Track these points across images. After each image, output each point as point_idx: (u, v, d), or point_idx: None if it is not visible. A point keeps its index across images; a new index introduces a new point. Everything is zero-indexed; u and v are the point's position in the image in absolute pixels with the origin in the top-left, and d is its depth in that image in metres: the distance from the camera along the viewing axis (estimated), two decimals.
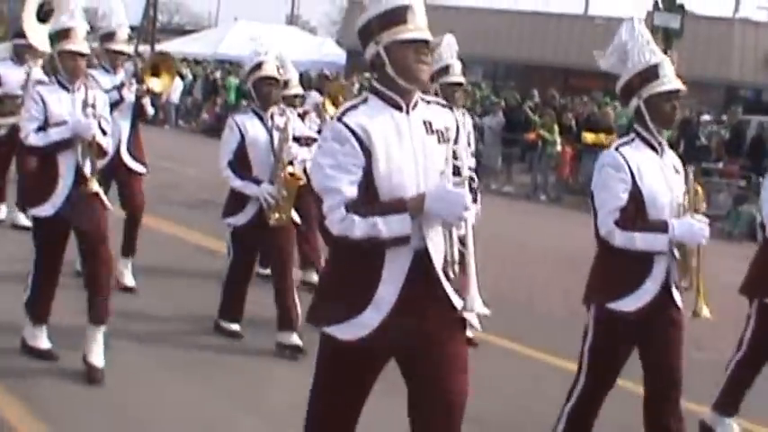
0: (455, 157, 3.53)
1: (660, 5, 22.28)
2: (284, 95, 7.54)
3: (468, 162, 3.67)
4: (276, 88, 6.53)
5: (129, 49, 8.12)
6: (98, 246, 5.69)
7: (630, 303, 4.37)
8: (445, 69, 7.04)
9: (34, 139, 5.60)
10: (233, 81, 27.07)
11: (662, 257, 4.39)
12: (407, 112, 3.47)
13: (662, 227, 4.32)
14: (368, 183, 3.38)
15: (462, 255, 3.37)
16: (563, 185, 19.38)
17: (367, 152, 3.37)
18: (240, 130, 6.36)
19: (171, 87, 8.58)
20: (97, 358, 5.62)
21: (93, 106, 5.70)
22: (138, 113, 7.74)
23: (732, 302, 5.89)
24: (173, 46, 35.07)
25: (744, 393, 5.56)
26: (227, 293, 6.73)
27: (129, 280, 7.73)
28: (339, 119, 3.43)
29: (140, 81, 7.67)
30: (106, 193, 6.74)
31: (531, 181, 19.65)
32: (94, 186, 5.66)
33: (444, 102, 3.72)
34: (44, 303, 5.85)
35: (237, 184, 6.39)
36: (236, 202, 6.53)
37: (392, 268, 3.39)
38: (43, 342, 5.87)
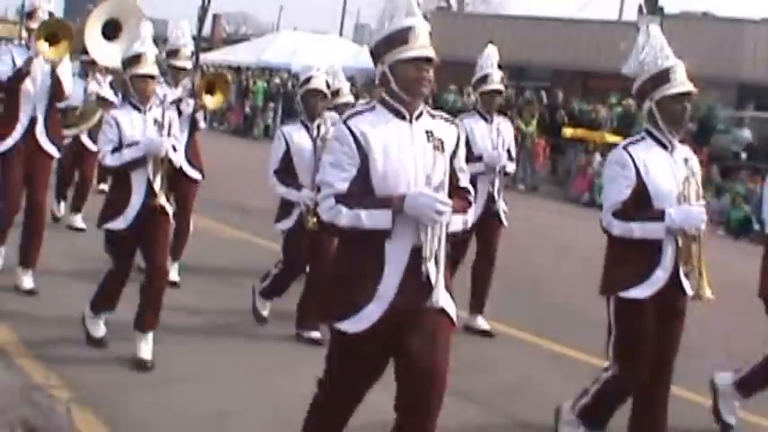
0: (452, 169, 3.66)
1: (644, 9, 23.16)
2: (336, 104, 7.61)
3: (466, 178, 3.81)
4: (322, 101, 6.62)
5: (190, 65, 8.31)
6: (159, 259, 5.84)
7: (642, 291, 4.42)
8: (484, 78, 7.18)
9: (110, 160, 5.75)
10: (261, 85, 27.62)
11: (669, 246, 4.43)
12: (410, 122, 3.62)
13: (658, 215, 4.36)
14: (364, 181, 3.55)
15: (436, 253, 3.51)
16: (539, 176, 19.80)
17: (363, 154, 3.54)
18: (286, 140, 6.46)
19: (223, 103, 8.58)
20: (146, 354, 5.74)
21: (166, 125, 5.86)
22: (193, 125, 7.88)
23: None
24: (219, 55, 35.45)
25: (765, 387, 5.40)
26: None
27: (173, 275, 7.81)
28: (344, 122, 3.63)
29: (197, 97, 7.79)
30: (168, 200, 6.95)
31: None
32: (163, 201, 5.81)
33: (450, 117, 3.84)
34: (109, 298, 5.98)
35: (281, 190, 6.50)
36: (285, 208, 6.62)
37: (393, 264, 3.53)
38: (99, 330, 6.02)
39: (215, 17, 59.82)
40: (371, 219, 3.48)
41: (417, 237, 3.52)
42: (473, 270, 7.24)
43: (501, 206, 7.23)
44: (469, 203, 3.77)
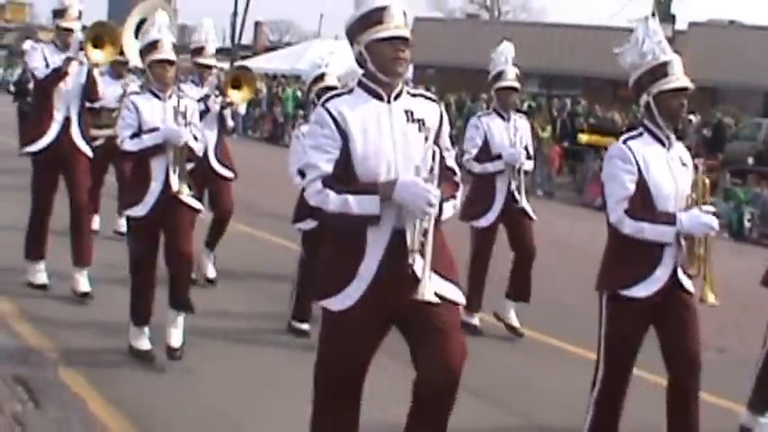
0: (434, 151, 3.54)
1: (656, 15, 22.84)
2: None
3: (451, 157, 3.73)
4: None
5: (215, 63, 8.24)
6: (183, 245, 5.78)
7: (642, 290, 4.32)
8: (498, 75, 7.03)
9: (129, 145, 5.73)
10: (290, 92, 27.75)
11: (671, 246, 4.32)
12: (389, 102, 3.58)
13: (670, 219, 4.26)
14: (346, 163, 3.51)
15: (422, 244, 3.47)
16: (555, 182, 19.72)
17: (344, 134, 3.51)
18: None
19: (249, 98, 8.49)
20: (176, 341, 5.79)
21: (184, 114, 5.81)
22: (221, 123, 7.89)
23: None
24: (254, 63, 35.98)
25: None
26: (300, 295, 6.61)
27: (210, 272, 7.91)
28: (323, 104, 3.60)
29: (223, 93, 7.77)
30: (200, 199, 6.88)
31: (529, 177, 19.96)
32: (183, 189, 5.78)
33: (432, 96, 3.77)
34: (144, 305, 5.85)
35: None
36: (305, 207, 6.36)
37: (373, 246, 3.51)
38: (144, 343, 5.85)
39: (257, 24, 60.19)
40: (359, 204, 3.45)
41: (398, 219, 3.50)
42: (514, 266, 7.12)
43: (524, 203, 7.09)
44: (457, 185, 3.70)
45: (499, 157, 6.97)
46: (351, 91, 3.65)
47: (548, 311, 7.82)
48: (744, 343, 7.37)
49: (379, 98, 3.59)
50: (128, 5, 8.07)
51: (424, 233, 3.47)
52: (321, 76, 6.58)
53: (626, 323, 4.40)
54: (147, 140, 5.69)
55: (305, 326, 6.55)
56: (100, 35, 7.00)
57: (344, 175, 3.51)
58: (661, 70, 4.33)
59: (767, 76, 27.29)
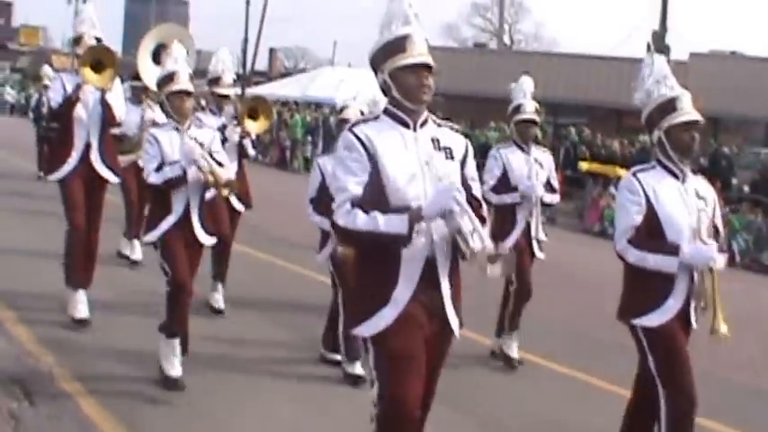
0: (463, 177, 3.61)
1: (651, 47, 23.20)
2: None
3: (477, 189, 3.74)
4: None
5: (233, 92, 8.25)
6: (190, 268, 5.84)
7: (655, 319, 4.32)
8: (517, 108, 7.03)
9: (154, 178, 5.75)
10: (298, 118, 27.67)
11: (683, 277, 4.32)
12: (414, 129, 3.59)
13: (673, 250, 4.27)
14: (377, 187, 3.48)
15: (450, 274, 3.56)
16: (556, 208, 19.83)
17: (372, 159, 3.49)
18: (321, 171, 6.26)
19: (266, 128, 8.38)
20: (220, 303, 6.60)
21: (202, 144, 5.82)
22: (241, 152, 7.85)
23: None
24: (268, 89, 35.79)
25: None
26: (330, 326, 6.46)
27: (219, 302, 7.78)
28: (350, 129, 3.59)
29: (240, 123, 7.75)
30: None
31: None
32: (197, 227, 5.83)
33: (457, 127, 3.78)
34: (179, 321, 5.78)
35: (316, 219, 6.25)
36: (324, 237, 6.39)
37: (407, 273, 3.49)
38: (175, 369, 5.73)
39: (272, 51, 60.37)
40: (388, 223, 3.39)
41: (432, 249, 3.50)
42: (504, 297, 7.10)
43: (540, 236, 7.07)
44: (484, 219, 3.63)
45: (516, 189, 6.93)
46: (376, 118, 3.65)
47: (550, 336, 7.93)
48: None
49: (405, 125, 3.60)
50: (144, 31, 8.03)
51: (450, 260, 3.51)
52: (342, 110, 6.62)
53: (670, 342, 4.32)
54: (169, 172, 5.73)
55: (337, 356, 6.36)
56: (98, 59, 6.93)
57: (376, 201, 3.46)
58: (670, 105, 4.40)
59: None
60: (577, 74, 32.26)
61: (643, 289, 4.39)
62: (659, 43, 23.68)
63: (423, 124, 3.62)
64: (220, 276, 7.88)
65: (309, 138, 27.18)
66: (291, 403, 5.71)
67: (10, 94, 45.38)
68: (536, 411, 6.05)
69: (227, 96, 8.06)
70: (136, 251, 9.44)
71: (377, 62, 3.62)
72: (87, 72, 6.88)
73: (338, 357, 6.34)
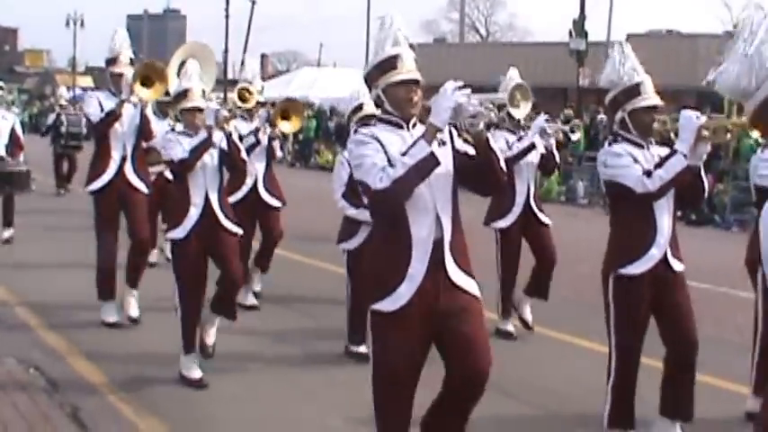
0: (456, 151, 3.74)
1: (573, 34, 26.13)
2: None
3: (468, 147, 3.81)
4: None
5: (261, 98, 8.30)
6: (232, 266, 5.81)
7: (638, 267, 4.42)
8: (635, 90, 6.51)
9: (182, 155, 5.65)
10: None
11: (665, 229, 4.44)
12: (408, 129, 3.72)
13: (671, 153, 4.35)
14: None
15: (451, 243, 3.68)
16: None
17: (384, 149, 3.62)
18: (349, 165, 5.80)
19: (299, 128, 8.40)
20: (211, 339, 5.92)
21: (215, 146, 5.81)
22: (270, 155, 7.83)
23: None
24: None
25: None
26: (353, 318, 6.32)
27: (251, 299, 7.74)
28: (356, 130, 3.79)
29: (273, 125, 7.72)
30: (252, 226, 7.42)
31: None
32: (220, 216, 5.79)
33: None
34: (193, 332, 5.72)
35: (352, 212, 6.10)
36: (350, 228, 6.25)
37: (419, 250, 3.59)
38: (195, 372, 5.69)
39: (263, 57, 60.54)
40: (413, 154, 3.47)
41: (439, 229, 3.62)
42: (536, 269, 7.14)
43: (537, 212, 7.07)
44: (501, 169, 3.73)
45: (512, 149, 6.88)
46: (374, 124, 3.81)
47: (563, 308, 7.85)
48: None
49: (400, 127, 3.73)
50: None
51: (453, 235, 3.64)
52: (360, 106, 6.40)
53: (631, 296, 4.45)
54: (195, 140, 5.64)
55: (362, 348, 6.17)
56: (148, 75, 6.98)
57: None
58: (635, 90, 4.52)
59: (698, 77, 28.89)
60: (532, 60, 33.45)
61: (627, 241, 4.49)
62: (579, 29, 25.83)
63: (414, 125, 3.77)
64: (265, 267, 8.02)
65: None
66: (304, 394, 5.65)
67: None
68: (539, 377, 6.05)
69: (257, 102, 8.12)
70: (152, 254, 9.17)
71: (371, 79, 3.76)
72: (138, 87, 6.91)
73: (362, 349, 6.15)
